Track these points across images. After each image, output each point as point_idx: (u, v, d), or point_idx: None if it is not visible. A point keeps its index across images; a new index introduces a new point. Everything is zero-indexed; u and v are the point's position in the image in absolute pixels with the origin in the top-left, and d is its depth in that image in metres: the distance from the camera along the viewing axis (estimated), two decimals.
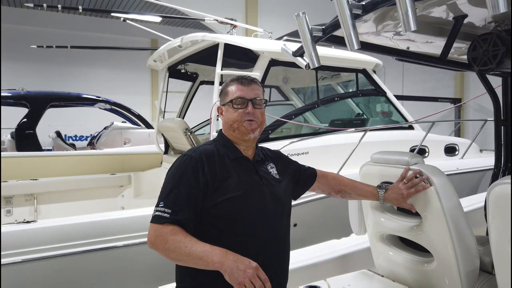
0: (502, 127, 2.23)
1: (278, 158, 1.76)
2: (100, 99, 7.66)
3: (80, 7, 5.71)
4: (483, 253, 1.80)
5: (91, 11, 13.44)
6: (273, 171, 1.65)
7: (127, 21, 6.52)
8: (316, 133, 4.25)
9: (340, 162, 3.81)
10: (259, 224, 1.48)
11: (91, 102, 7.69)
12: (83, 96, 7.62)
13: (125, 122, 8.35)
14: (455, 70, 3.38)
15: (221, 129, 1.64)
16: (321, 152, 3.84)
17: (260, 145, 1.74)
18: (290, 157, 1.85)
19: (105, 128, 8.13)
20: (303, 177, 1.79)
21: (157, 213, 1.37)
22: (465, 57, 1.80)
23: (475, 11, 1.64)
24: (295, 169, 1.78)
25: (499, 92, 2.25)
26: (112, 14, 6.99)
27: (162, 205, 1.38)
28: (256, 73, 3.39)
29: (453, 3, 1.53)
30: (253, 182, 1.53)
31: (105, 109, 8.13)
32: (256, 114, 1.53)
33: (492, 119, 2.30)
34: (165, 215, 1.35)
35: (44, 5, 5.35)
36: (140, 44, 13.97)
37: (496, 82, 2.24)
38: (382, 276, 2.06)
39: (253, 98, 1.53)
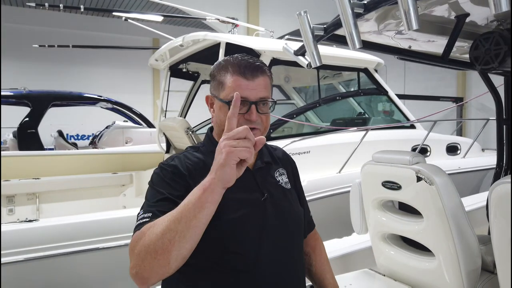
0: (504, 126, 2.22)
1: (288, 162, 1.43)
2: (102, 98, 7.67)
3: (81, 7, 5.72)
4: (485, 252, 1.79)
5: (93, 11, 13.45)
6: (283, 178, 1.31)
7: (129, 20, 6.52)
8: (317, 132, 4.25)
9: (342, 161, 3.80)
10: (261, 255, 1.14)
11: (92, 101, 7.71)
12: (84, 95, 7.64)
13: (127, 121, 8.36)
14: (457, 69, 3.37)
15: (209, 130, 1.30)
16: (322, 151, 3.84)
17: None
18: (291, 156, 1.54)
19: (106, 127, 8.14)
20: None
21: (138, 220, 1.08)
22: (467, 56, 1.80)
23: (477, 10, 1.63)
24: (300, 196, 1.42)
25: (501, 91, 2.24)
26: (114, 13, 7.00)
27: (141, 212, 1.09)
28: None
29: (455, 2, 1.53)
30: (251, 200, 1.18)
31: (107, 108, 8.14)
32: (259, 120, 1.17)
33: (494, 118, 2.29)
34: (146, 219, 1.04)
35: (46, 4, 5.36)
36: (141, 43, 14.00)
37: (498, 81, 2.23)
38: (384, 275, 2.06)
39: (258, 99, 1.16)
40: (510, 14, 1.73)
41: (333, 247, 2.43)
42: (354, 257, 2.36)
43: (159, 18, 7.10)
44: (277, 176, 1.30)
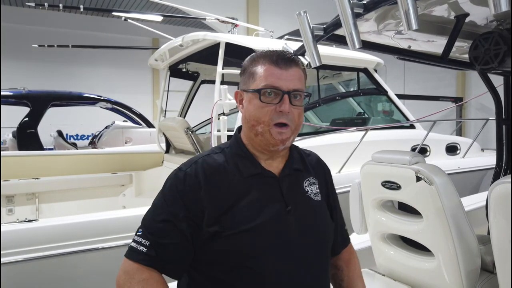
0: (504, 126, 2.23)
1: (322, 170, 1.26)
2: (102, 98, 7.67)
3: (81, 6, 5.72)
4: (484, 252, 1.79)
5: (92, 10, 13.44)
6: (313, 189, 1.17)
7: (128, 20, 6.52)
8: (317, 132, 4.24)
9: (341, 161, 3.80)
10: (279, 274, 1.03)
11: (92, 101, 7.70)
12: (84, 95, 7.63)
13: (127, 121, 8.36)
14: (457, 69, 3.37)
15: (239, 127, 1.18)
16: (322, 151, 3.79)
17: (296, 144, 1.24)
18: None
19: (106, 127, 8.15)
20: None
21: (132, 243, 1.03)
22: (466, 56, 1.80)
23: (477, 10, 1.63)
24: (333, 209, 1.26)
25: (500, 91, 2.24)
26: (113, 13, 7.00)
27: (140, 233, 1.04)
28: None
29: (455, 2, 1.53)
30: (273, 210, 1.05)
31: (107, 108, 8.14)
32: (291, 115, 1.06)
33: (494, 118, 2.29)
34: (141, 248, 1.01)
35: (46, 4, 5.35)
36: (141, 43, 13.99)
37: (497, 81, 2.23)
38: (383, 275, 2.06)
39: (291, 89, 1.06)
40: (509, 14, 1.73)
41: None
42: None
43: (159, 18, 7.10)
44: (306, 186, 1.16)
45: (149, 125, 8.12)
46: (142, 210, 2.93)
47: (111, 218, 2.77)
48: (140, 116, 8.29)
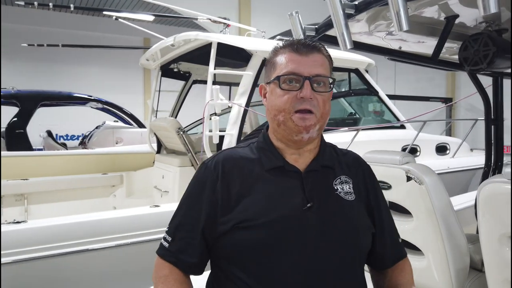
0: (492, 126, 2.25)
1: (360, 170, 1.16)
2: (92, 98, 7.60)
3: (71, 5, 5.65)
4: (473, 251, 1.81)
5: (83, 10, 13.31)
6: (344, 187, 1.07)
7: (119, 19, 6.47)
8: None
9: None
10: (294, 275, 0.95)
11: (82, 101, 7.63)
12: (74, 95, 7.55)
13: (117, 121, 8.29)
14: (447, 70, 3.41)
15: (267, 127, 1.15)
16: None
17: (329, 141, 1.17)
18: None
19: (96, 128, 8.07)
20: (375, 246, 1.13)
21: (162, 239, 1.09)
22: (456, 57, 1.82)
23: (467, 12, 1.65)
24: (375, 215, 1.13)
25: (489, 91, 2.27)
26: (104, 12, 6.94)
27: (167, 229, 1.09)
28: (249, 72, 3.38)
29: (445, 3, 1.54)
30: (290, 205, 0.99)
31: (97, 108, 8.06)
32: (315, 102, 1.00)
33: (483, 118, 2.32)
34: (165, 244, 1.06)
35: (35, 3, 5.29)
36: (132, 43, 13.89)
37: (486, 82, 2.26)
38: None
39: (313, 75, 1.00)
40: (498, 15, 1.76)
41: None
42: None
43: (150, 18, 7.06)
44: (336, 184, 1.07)
45: (140, 125, 8.06)
46: (133, 211, 2.94)
47: (102, 219, 2.75)
48: (131, 116, 8.22)
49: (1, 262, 2.30)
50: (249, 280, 0.96)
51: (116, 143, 7.05)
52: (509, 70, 2.10)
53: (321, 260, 0.98)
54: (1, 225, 2.49)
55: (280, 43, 1.10)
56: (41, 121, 9.10)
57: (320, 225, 1.00)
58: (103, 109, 8.11)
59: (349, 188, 1.08)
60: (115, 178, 4.76)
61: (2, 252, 2.32)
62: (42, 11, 12.52)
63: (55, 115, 11.73)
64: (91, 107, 8.03)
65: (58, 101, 7.38)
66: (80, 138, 9.75)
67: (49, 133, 7.96)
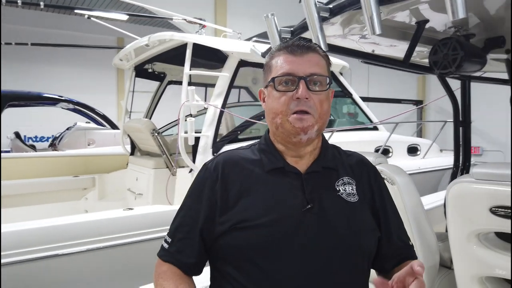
0: (461, 128, 2.33)
1: (365, 171, 1.14)
2: (63, 98, 7.39)
3: (41, 3, 5.49)
4: (442, 249, 1.87)
5: (54, 7, 12.92)
6: (347, 189, 1.05)
7: (92, 18, 6.32)
8: None
9: None
10: (292, 277, 0.93)
11: (52, 101, 7.40)
12: (44, 95, 7.32)
13: (89, 122, 8.10)
14: (417, 73, 3.51)
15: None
16: None
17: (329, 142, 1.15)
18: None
19: (67, 129, 7.84)
20: (381, 247, 1.08)
21: (163, 241, 1.10)
22: (426, 60, 1.87)
23: (436, 17, 1.70)
24: (381, 216, 1.10)
25: (458, 94, 2.35)
26: (76, 11, 6.76)
27: (168, 230, 1.10)
28: (225, 73, 3.37)
29: (416, 8, 1.59)
30: (291, 206, 0.98)
31: (68, 109, 7.84)
32: (311, 102, 0.98)
33: (452, 120, 2.39)
34: (165, 245, 1.08)
35: (3, 0, 5.10)
36: (105, 42, 13.57)
37: (455, 85, 2.34)
38: None
39: (308, 74, 0.99)
40: (467, 21, 1.82)
41: None
42: None
43: (124, 17, 6.94)
44: (338, 186, 1.05)
45: (113, 126, 7.90)
46: (105, 214, 2.87)
47: (73, 223, 2.68)
48: (104, 117, 8.05)
49: None
50: (246, 281, 0.95)
51: (88, 145, 6.88)
52: (476, 74, 2.18)
53: (319, 262, 0.95)
54: None
55: (276, 47, 1.10)
56: (9, 122, 8.78)
57: (320, 227, 0.98)
58: (74, 110, 7.90)
59: (352, 189, 1.06)
60: (87, 180, 4.65)
61: None
62: (10, 8, 12.05)
63: (24, 116, 11.32)
64: (62, 108, 7.81)
65: (27, 101, 7.13)
66: (50, 140, 9.46)
67: (17, 135, 7.67)
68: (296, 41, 1.05)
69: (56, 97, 7.37)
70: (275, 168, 1.04)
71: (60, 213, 4.01)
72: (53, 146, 7.66)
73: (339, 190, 1.05)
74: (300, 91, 0.97)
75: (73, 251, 2.53)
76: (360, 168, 1.14)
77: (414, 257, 1.13)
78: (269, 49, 1.74)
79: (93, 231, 2.62)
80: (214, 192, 1.02)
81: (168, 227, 1.12)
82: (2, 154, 5.62)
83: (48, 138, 12.69)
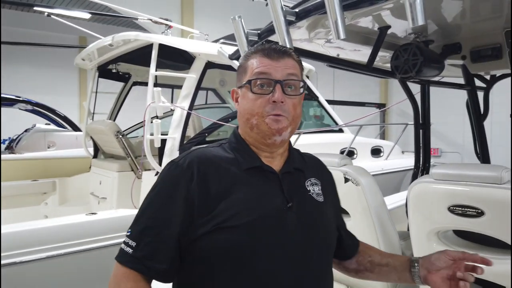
0: (421, 130, 2.42)
1: (325, 173, 1.22)
2: (21, 99, 7.07)
3: None
4: (404, 247, 1.93)
5: (11, 4, 12.33)
6: (315, 189, 1.11)
7: (52, 16, 6.09)
8: None
9: None
10: (276, 267, 0.96)
11: (9, 102, 7.07)
12: (0, 95, 6.96)
13: (49, 124, 7.78)
14: (380, 77, 3.62)
15: (236, 127, 1.15)
16: None
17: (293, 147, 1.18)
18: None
19: (26, 131, 7.49)
20: (343, 240, 1.21)
21: (122, 244, 0.98)
22: (388, 65, 1.93)
23: (398, 23, 1.77)
24: (337, 215, 1.23)
25: (418, 98, 2.44)
26: (35, 8, 6.48)
27: (128, 233, 0.98)
28: (192, 75, 3.34)
29: (378, 14, 1.64)
30: (272, 205, 1.00)
31: (26, 110, 7.51)
32: (286, 106, 1.01)
33: (412, 123, 2.48)
34: (127, 249, 0.95)
35: None
36: (66, 41, 13.09)
37: (415, 89, 2.43)
38: None
39: (284, 78, 1.02)
40: (426, 27, 1.90)
41: None
42: None
43: (86, 16, 6.73)
44: (308, 186, 1.10)
45: (75, 128, 7.63)
46: (66, 219, 2.76)
47: (31, 229, 2.56)
48: (65, 118, 7.76)
49: None
50: (231, 281, 0.94)
51: (48, 147, 6.60)
52: (435, 78, 2.27)
53: (301, 259, 1.00)
54: None
55: (252, 48, 1.11)
56: None
57: (300, 224, 1.01)
58: (33, 111, 7.57)
59: (318, 189, 1.11)
60: (47, 184, 4.46)
61: None
62: None
63: None
64: (20, 109, 7.47)
65: None
66: (7, 142, 9.00)
67: None
68: (272, 45, 1.07)
69: (14, 97, 7.04)
70: (253, 167, 1.04)
71: (18, 219, 3.82)
72: (10, 149, 7.28)
73: (309, 190, 1.09)
74: (276, 94, 1.00)
75: (33, 258, 2.42)
76: (321, 170, 1.21)
77: (358, 240, 1.28)
78: (237, 51, 1.74)
79: (54, 237, 2.51)
80: (190, 191, 0.96)
81: None
82: None
83: (4, 140, 12.06)
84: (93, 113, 4.35)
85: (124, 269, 0.94)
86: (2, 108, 8.44)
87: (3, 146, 9.13)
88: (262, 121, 1.01)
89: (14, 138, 7.62)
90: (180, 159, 1.03)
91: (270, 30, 1.56)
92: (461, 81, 2.55)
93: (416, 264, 1.12)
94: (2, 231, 2.46)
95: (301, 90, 1.06)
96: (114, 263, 0.98)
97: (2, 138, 12.60)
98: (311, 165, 1.18)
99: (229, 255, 0.94)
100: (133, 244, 0.95)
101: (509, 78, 2.52)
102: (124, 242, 0.97)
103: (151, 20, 4.82)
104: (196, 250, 0.96)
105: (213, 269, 0.96)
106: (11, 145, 7.26)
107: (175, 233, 0.95)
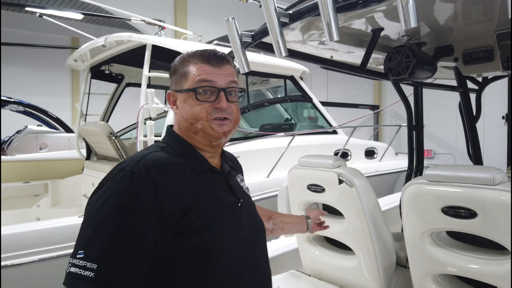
0: (414, 132, 2.43)
1: (239, 165, 1.32)
2: (12, 100, 6.99)
3: None
4: (398, 248, 1.94)
5: (2, 4, 12.23)
6: (244, 185, 1.23)
7: (44, 17, 6.04)
8: (246, 137, 4.29)
9: (270, 165, 3.88)
10: (239, 264, 1.03)
11: (1, 103, 6.99)
12: None
13: (41, 125, 7.72)
14: (374, 79, 3.63)
15: (169, 127, 1.14)
16: (251, 156, 3.88)
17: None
18: None
19: (17, 132, 7.42)
20: None
21: (72, 269, 0.84)
22: (382, 67, 1.94)
23: (390, 25, 1.77)
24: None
25: (411, 100, 2.46)
26: (27, 8, 6.42)
27: (81, 255, 0.84)
28: None
29: (371, 16, 1.64)
30: (231, 205, 1.06)
31: (18, 111, 7.43)
32: (230, 109, 1.07)
33: (406, 125, 2.50)
34: (87, 273, 0.82)
35: None
36: (59, 42, 13.01)
37: (409, 90, 2.44)
38: (310, 276, 2.13)
39: (227, 86, 1.07)
40: (418, 30, 1.91)
41: None
42: (282, 259, 2.42)
43: (79, 16, 6.67)
44: (239, 182, 1.21)
45: (68, 129, 7.58)
46: (59, 221, 2.73)
47: (23, 231, 2.53)
48: (57, 120, 7.70)
49: None
50: (202, 280, 0.96)
51: (40, 149, 6.54)
52: (428, 80, 2.29)
53: (256, 252, 1.11)
54: None
55: (188, 52, 1.11)
56: None
57: (250, 219, 1.12)
58: (24, 112, 7.50)
59: (245, 184, 1.23)
60: (39, 186, 4.42)
61: None
62: None
63: None
64: (11, 110, 7.39)
65: None
66: None
67: None
68: (210, 51, 1.09)
69: (5, 98, 6.97)
70: (205, 170, 1.07)
71: (9, 222, 3.78)
72: (1, 150, 7.22)
73: (243, 186, 1.20)
74: (222, 102, 1.05)
75: (24, 261, 2.39)
76: (238, 166, 1.30)
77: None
78: (231, 52, 1.74)
79: (46, 240, 2.48)
80: (158, 203, 0.90)
81: None
82: None
83: None
84: (86, 115, 4.32)
85: None
86: None
87: None
88: (208, 125, 1.05)
89: (6, 139, 7.55)
90: (133, 166, 0.94)
91: (264, 31, 1.55)
92: (454, 83, 2.57)
93: (309, 220, 1.57)
94: None
95: (240, 95, 1.13)
96: None
97: None
98: (232, 161, 1.26)
99: (201, 257, 0.95)
100: (94, 266, 0.82)
101: (501, 79, 2.55)
102: (76, 265, 0.84)
103: (144, 21, 4.80)
104: (165, 262, 0.93)
105: (186, 273, 0.94)
106: (3, 147, 7.19)
107: (144, 250, 0.88)
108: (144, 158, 0.97)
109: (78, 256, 0.85)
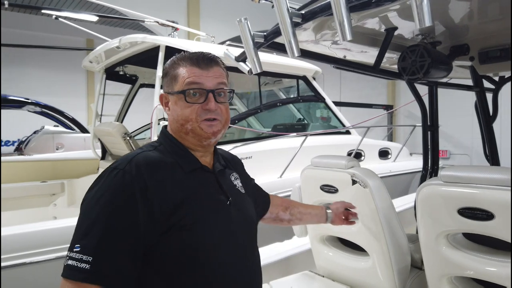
0: (429, 132, 2.40)
1: (237, 163, 1.35)
2: (29, 101, 7.15)
3: (5, 2, 5.29)
4: (413, 250, 1.92)
5: (19, 7, 12.46)
6: (238, 183, 1.24)
7: (60, 19, 6.15)
8: (259, 137, 4.30)
9: (283, 166, 3.88)
10: (228, 263, 1.07)
11: (18, 104, 7.15)
12: (9, 97, 7.05)
13: (58, 126, 7.86)
14: (387, 79, 3.59)
15: (164, 128, 1.18)
16: (264, 156, 3.89)
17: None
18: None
19: (35, 132, 7.58)
20: (260, 199, 1.43)
21: (70, 261, 0.89)
22: (396, 66, 1.92)
23: (405, 24, 1.75)
24: (252, 185, 1.40)
25: (426, 100, 2.42)
26: (43, 11, 6.55)
27: (78, 249, 0.89)
28: None
29: (385, 15, 1.63)
30: (219, 203, 1.10)
31: (35, 112, 7.59)
32: (219, 110, 1.10)
33: (420, 125, 2.46)
34: (83, 265, 0.87)
35: None
36: (74, 43, 13.23)
37: (423, 90, 2.41)
38: (323, 277, 2.12)
39: (215, 88, 1.10)
40: (433, 28, 1.89)
41: (275, 251, 2.46)
42: (295, 260, 2.41)
43: (94, 18, 6.78)
44: (233, 180, 1.23)
45: (83, 130, 7.70)
46: (75, 220, 2.78)
47: (41, 230, 2.58)
48: (73, 120, 7.83)
49: None
50: (190, 278, 1.00)
51: (57, 149, 6.67)
52: (443, 80, 2.25)
53: (245, 248, 1.13)
54: None
55: (178, 55, 1.15)
56: None
57: (240, 217, 1.14)
58: (41, 113, 7.65)
59: (239, 182, 1.25)
60: (55, 186, 4.50)
61: None
62: None
63: None
64: (29, 111, 7.55)
65: None
66: (16, 144, 9.11)
67: None
68: (199, 53, 1.13)
69: (22, 99, 7.12)
70: (195, 168, 1.10)
71: (27, 220, 3.86)
72: (19, 150, 7.38)
73: (236, 185, 1.22)
74: (210, 104, 1.08)
75: (42, 259, 2.44)
76: (234, 163, 1.33)
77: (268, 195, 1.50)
78: (243, 53, 1.74)
79: (63, 238, 2.53)
80: (148, 200, 0.95)
81: None
82: None
83: (14, 142, 12.20)
84: (101, 115, 4.38)
85: (84, 285, 0.88)
86: (11, 111, 8.57)
87: (12, 148, 9.23)
88: (197, 126, 1.08)
89: (23, 140, 7.71)
90: (125, 165, 0.99)
91: (276, 32, 1.55)
92: (470, 82, 2.53)
93: (328, 211, 1.58)
94: (12, 232, 2.49)
95: (229, 95, 1.15)
96: None
97: (11, 140, 12.76)
98: (228, 160, 1.29)
99: (190, 254, 1.00)
100: (89, 258, 0.88)
101: None
102: (73, 258, 0.89)
103: (157, 22, 4.85)
104: (154, 258, 0.98)
105: (175, 269, 0.99)
106: (20, 147, 7.35)
107: (135, 243, 0.94)
108: (136, 157, 1.02)
109: (75, 249, 0.90)
